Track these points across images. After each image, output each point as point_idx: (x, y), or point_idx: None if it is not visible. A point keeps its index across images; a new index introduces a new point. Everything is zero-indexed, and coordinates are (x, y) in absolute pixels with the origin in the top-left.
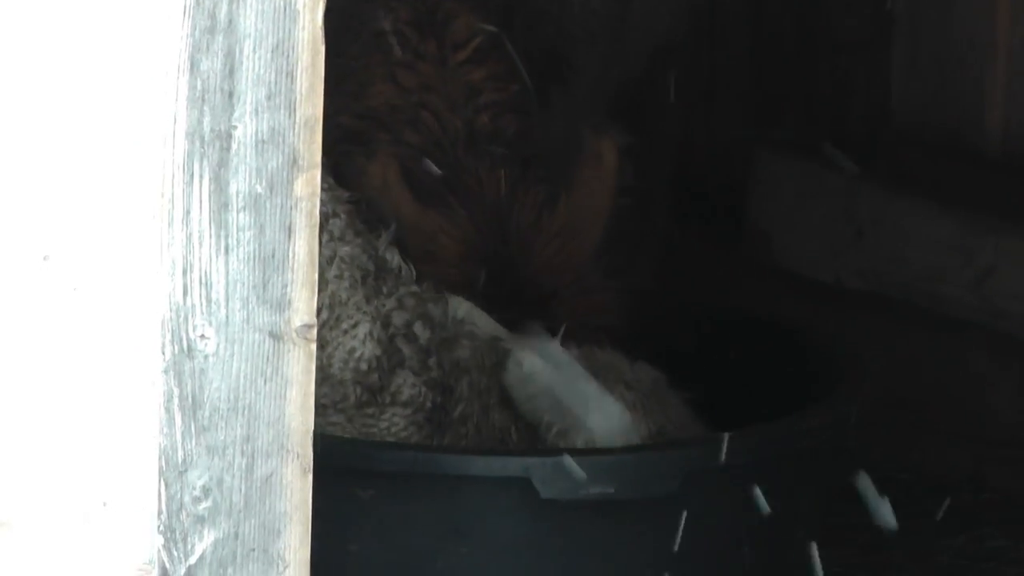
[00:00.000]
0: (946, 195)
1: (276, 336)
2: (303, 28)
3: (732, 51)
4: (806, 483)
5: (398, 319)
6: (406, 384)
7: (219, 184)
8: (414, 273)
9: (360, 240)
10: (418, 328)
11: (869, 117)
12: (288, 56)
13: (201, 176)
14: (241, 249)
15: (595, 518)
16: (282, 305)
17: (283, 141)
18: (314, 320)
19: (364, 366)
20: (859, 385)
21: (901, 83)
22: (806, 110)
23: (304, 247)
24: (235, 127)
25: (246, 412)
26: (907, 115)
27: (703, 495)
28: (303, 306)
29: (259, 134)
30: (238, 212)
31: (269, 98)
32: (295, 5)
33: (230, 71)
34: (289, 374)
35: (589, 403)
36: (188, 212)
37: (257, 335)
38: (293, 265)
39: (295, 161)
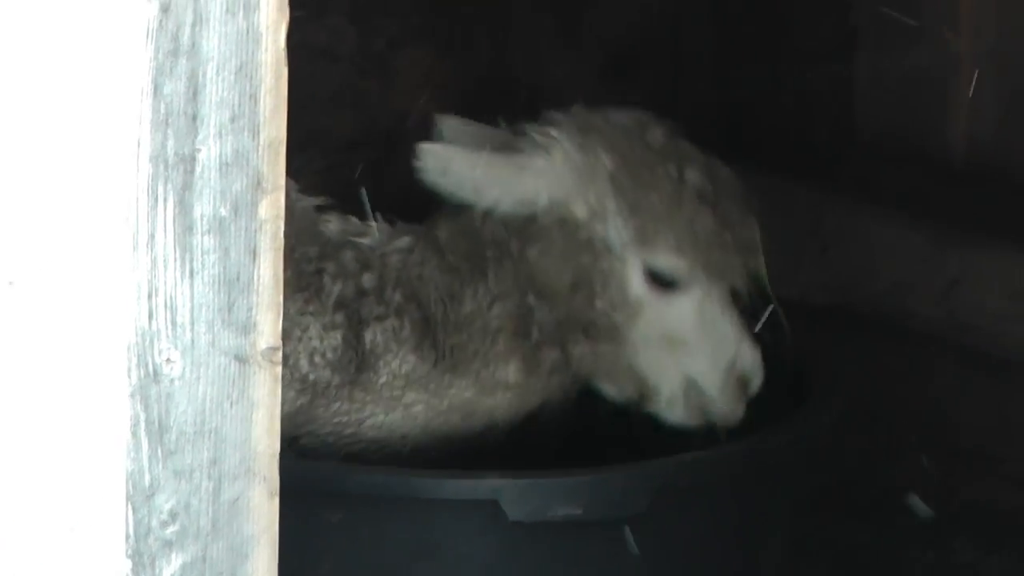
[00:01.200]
0: (911, 208)
1: (242, 359)
2: (266, 50)
3: (695, 63)
4: (776, 499)
5: (344, 289)
6: (379, 333)
7: (183, 207)
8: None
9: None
10: (366, 280)
11: (833, 130)
12: (251, 78)
13: (165, 199)
14: (206, 272)
15: (563, 539)
16: (247, 328)
17: (247, 164)
18: (279, 342)
19: (332, 354)
20: (830, 400)
21: (865, 96)
22: (770, 123)
23: (269, 269)
24: (199, 150)
25: (213, 435)
26: (872, 128)
27: (671, 514)
28: (268, 328)
29: (223, 157)
30: (203, 235)
31: (233, 120)
32: (258, 27)
33: (193, 94)
34: (255, 397)
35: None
36: (152, 236)
37: (223, 358)
38: (258, 288)
39: (259, 183)
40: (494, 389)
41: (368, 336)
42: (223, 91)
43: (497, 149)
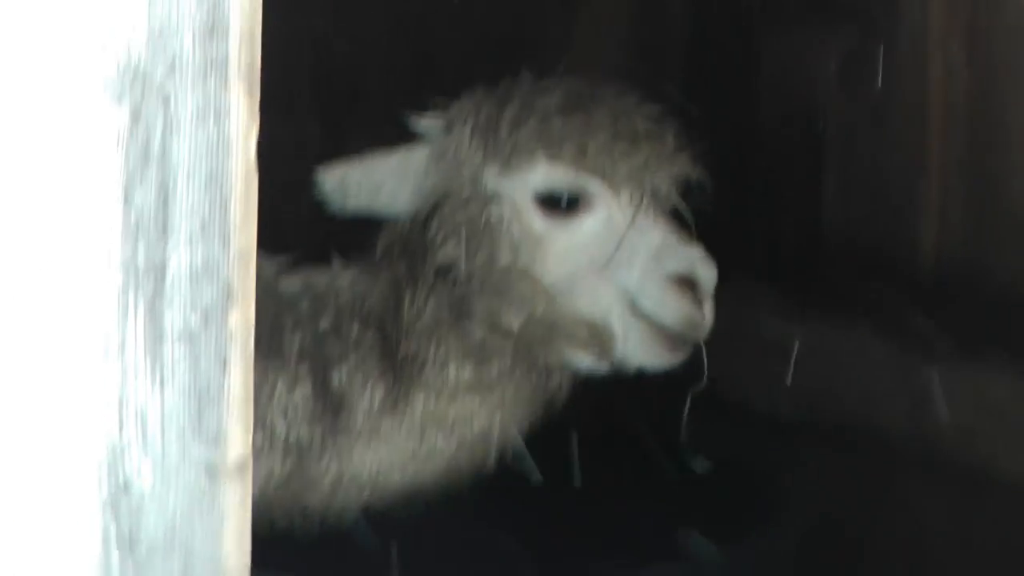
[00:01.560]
0: (879, 319)
1: (212, 471)
2: (236, 159)
3: None
4: None
5: (303, 338)
6: (344, 372)
7: (154, 316)
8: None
9: None
10: (323, 323)
11: (801, 238)
12: (222, 187)
13: (136, 308)
14: (176, 382)
15: None
16: (218, 439)
17: (217, 273)
18: (249, 452)
19: (305, 406)
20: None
21: (833, 204)
22: (736, 219)
23: (239, 379)
24: (169, 259)
25: (183, 549)
26: (839, 237)
27: None
28: (239, 439)
29: (193, 266)
30: (173, 344)
31: (203, 229)
32: (228, 136)
33: (164, 202)
34: (225, 507)
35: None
36: (123, 345)
37: (193, 470)
38: (228, 398)
39: (230, 293)
40: (455, 393)
41: (335, 378)
42: (193, 200)
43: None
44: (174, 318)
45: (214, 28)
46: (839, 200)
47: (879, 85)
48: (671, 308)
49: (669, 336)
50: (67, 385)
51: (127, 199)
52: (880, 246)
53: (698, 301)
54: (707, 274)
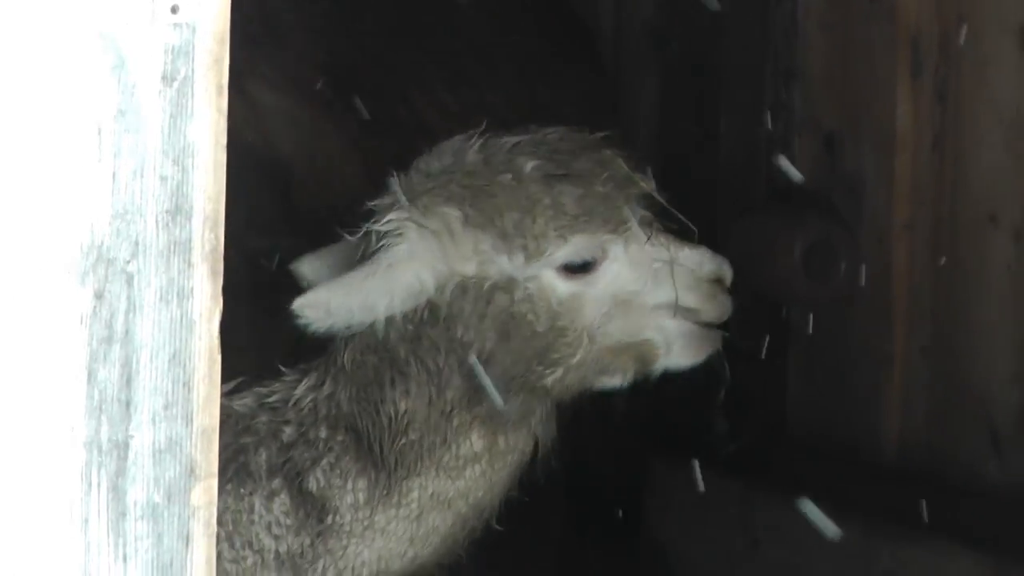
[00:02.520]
0: (842, 503)
1: None
2: (200, 338)
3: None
4: None
5: (269, 454)
6: (320, 477)
7: (117, 493)
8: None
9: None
10: (287, 434)
11: (765, 426)
12: (185, 366)
13: (99, 485)
14: (139, 558)
15: None
16: None
17: (180, 451)
18: None
19: (286, 518)
20: None
21: (797, 392)
22: (702, 421)
23: (202, 555)
24: (132, 436)
25: None
26: (803, 423)
27: None
28: None
29: (156, 444)
30: (136, 521)
31: (166, 408)
32: (191, 315)
33: (127, 380)
34: None
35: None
36: (87, 520)
37: None
38: (191, 574)
39: (192, 470)
40: (462, 468)
41: (311, 484)
42: (157, 378)
43: (359, 263)
44: (137, 495)
45: (177, 210)
46: (803, 386)
47: (843, 273)
48: (713, 308)
49: (707, 327)
50: (30, 561)
51: (91, 377)
52: (843, 433)
53: (726, 290)
54: (728, 269)
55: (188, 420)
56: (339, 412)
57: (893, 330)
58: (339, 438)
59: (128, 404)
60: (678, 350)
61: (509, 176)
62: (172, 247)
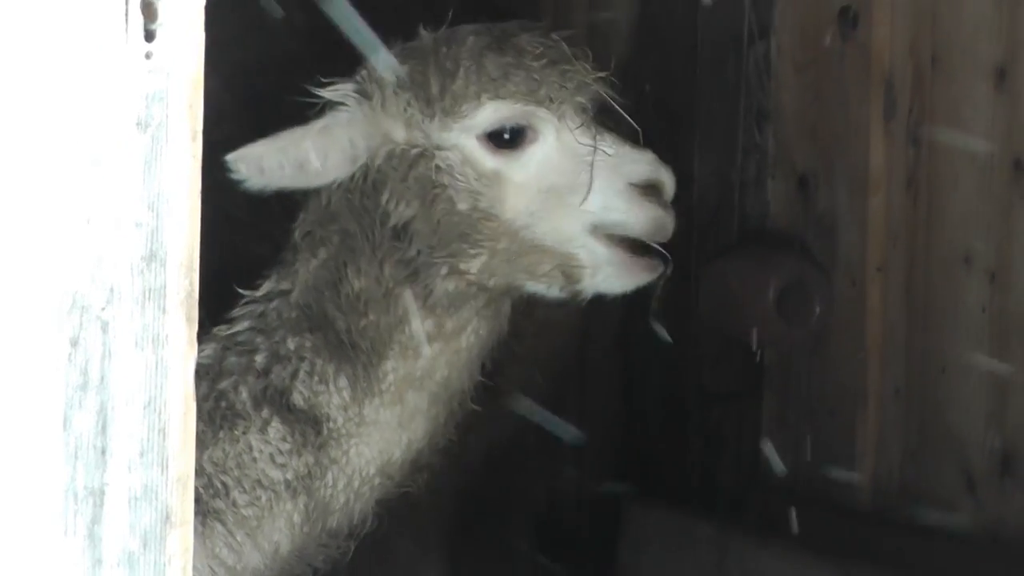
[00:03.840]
0: (816, 545)
1: None
2: (175, 385)
3: (601, 401)
4: None
5: (249, 387)
6: (301, 389)
7: (93, 540)
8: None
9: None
10: (259, 362)
11: (740, 468)
12: (160, 413)
13: (75, 532)
14: None
15: None
16: None
17: (156, 498)
18: None
19: (285, 443)
20: None
21: (771, 434)
22: (676, 461)
23: None
24: (108, 484)
25: None
26: (778, 464)
27: None
28: None
29: (132, 491)
30: (112, 568)
31: (142, 455)
32: (166, 362)
33: (103, 428)
34: None
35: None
36: (62, 568)
37: None
38: None
39: (168, 517)
40: (418, 347)
41: (297, 399)
42: (132, 425)
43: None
44: (113, 542)
45: (152, 256)
46: (777, 428)
47: (817, 315)
48: (640, 215)
49: (637, 249)
50: None
51: (66, 424)
52: (818, 474)
53: (664, 204)
54: (668, 176)
55: (164, 467)
56: (300, 311)
57: (867, 371)
58: (307, 344)
59: (104, 451)
60: (604, 276)
61: (446, 48)
62: (147, 293)
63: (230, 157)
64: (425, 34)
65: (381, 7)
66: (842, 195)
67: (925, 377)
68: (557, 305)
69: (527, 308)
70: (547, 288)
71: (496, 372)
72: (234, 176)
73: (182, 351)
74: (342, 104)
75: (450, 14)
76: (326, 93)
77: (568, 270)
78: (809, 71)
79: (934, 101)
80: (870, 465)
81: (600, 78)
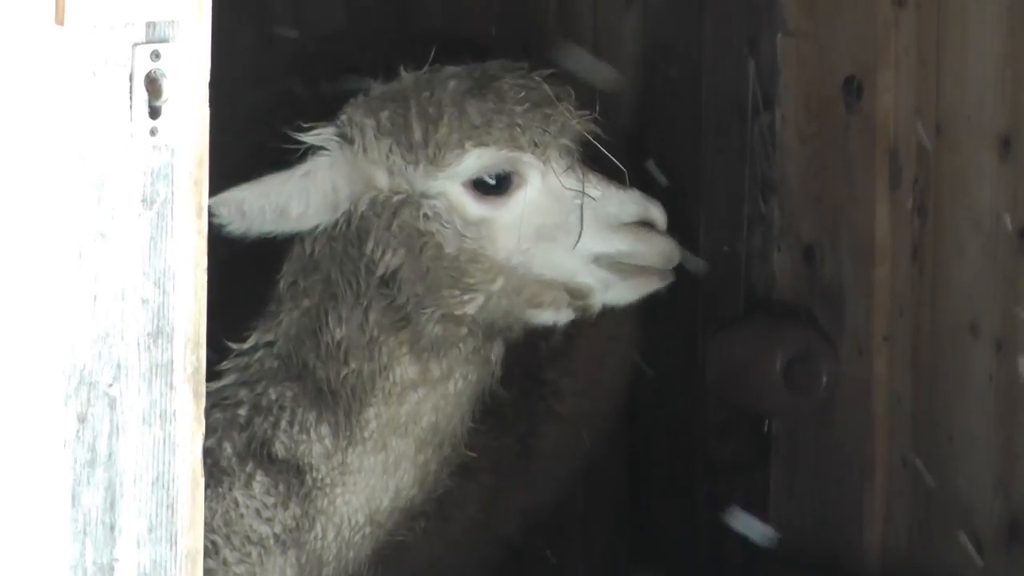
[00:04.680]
0: None
1: None
2: (183, 461)
3: (607, 472)
4: None
5: (233, 442)
6: (284, 439)
7: None
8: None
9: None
10: (242, 416)
11: (749, 542)
12: (168, 488)
13: None
14: None
15: None
16: None
17: (165, 573)
18: None
19: (268, 496)
20: None
21: (779, 504)
22: (683, 532)
23: None
24: (118, 560)
25: None
26: (785, 536)
27: None
28: None
29: (141, 567)
30: None
31: (151, 530)
32: (174, 438)
33: (111, 503)
34: None
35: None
36: None
37: None
38: None
39: None
40: (403, 394)
41: (279, 450)
42: (141, 501)
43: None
44: None
45: (159, 333)
46: (785, 498)
47: (824, 385)
48: (647, 247)
49: (647, 270)
50: None
51: (75, 500)
52: (825, 543)
53: (662, 235)
54: (659, 212)
55: (172, 542)
56: (281, 361)
57: (875, 440)
58: (288, 393)
59: (112, 527)
60: (615, 291)
61: (427, 92)
62: (154, 370)
63: (211, 201)
64: (406, 75)
65: (367, 45)
66: (848, 265)
67: (932, 446)
68: (604, 363)
69: (565, 364)
70: (555, 314)
71: (531, 433)
72: (215, 220)
73: (190, 427)
74: (324, 149)
75: (432, 54)
76: (308, 137)
77: (575, 292)
78: (814, 141)
79: (939, 171)
80: (877, 533)
81: (585, 118)
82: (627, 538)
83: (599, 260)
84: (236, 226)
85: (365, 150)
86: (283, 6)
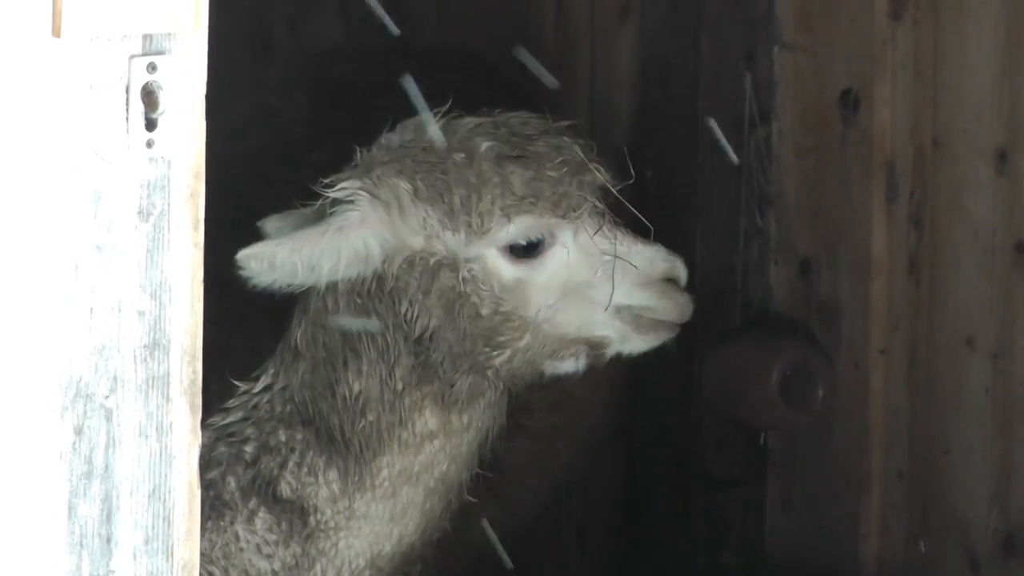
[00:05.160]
0: None
1: None
2: (179, 472)
3: (605, 485)
4: None
5: (237, 478)
6: (290, 480)
7: None
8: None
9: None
10: (248, 452)
11: (744, 552)
12: (165, 501)
13: None
14: None
15: None
16: None
17: None
18: None
19: (271, 534)
20: None
21: (776, 518)
22: (680, 546)
23: None
24: (114, 572)
25: None
26: (782, 550)
27: None
28: None
29: None
30: None
31: (147, 542)
32: (170, 450)
33: (107, 516)
34: None
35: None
36: None
37: None
38: None
39: None
40: (420, 445)
41: (284, 490)
42: (137, 513)
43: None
44: None
45: (155, 345)
46: (781, 512)
47: (820, 398)
48: (669, 304)
49: (662, 327)
50: None
51: (71, 513)
52: (822, 557)
53: (681, 291)
54: (683, 268)
55: (168, 555)
56: (294, 406)
57: (871, 454)
58: (299, 436)
59: (109, 539)
60: (631, 343)
61: (463, 155)
62: (150, 382)
63: (241, 255)
64: (428, 127)
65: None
66: (844, 279)
67: (928, 459)
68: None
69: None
70: (574, 363)
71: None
72: (242, 272)
73: (186, 439)
74: (350, 203)
75: (449, 102)
76: (336, 193)
77: (595, 343)
78: (811, 155)
79: (936, 184)
80: (873, 547)
81: (613, 181)
82: (624, 551)
83: (621, 314)
84: (263, 279)
85: (402, 213)
86: (281, 18)
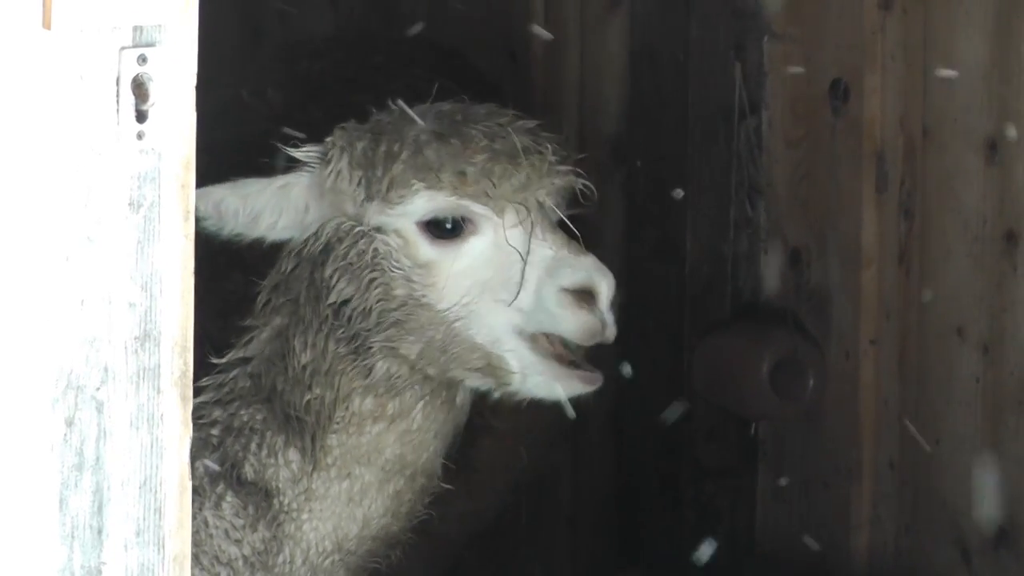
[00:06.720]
0: None
1: None
2: (170, 464)
3: (595, 476)
4: None
5: (207, 465)
6: (252, 462)
7: None
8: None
9: None
10: (214, 436)
11: (734, 542)
12: (156, 492)
13: None
14: None
15: None
16: None
17: None
18: None
19: (237, 518)
20: None
21: (766, 508)
22: (670, 536)
23: None
24: (105, 563)
25: None
26: (772, 540)
27: None
28: None
29: (129, 570)
30: None
31: (138, 534)
32: (162, 442)
33: (99, 507)
34: None
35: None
36: None
37: None
38: None
39: None
40: (362, 425)
41: (248, 472)
42: (128, 505)
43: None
44: None
45: (146, 336)
46: (772, 502)
47: (811, 388)
48: (569, 319)
49: (567, 356)
50: None
51: (62, 504)
52: (812, 549)
53: (598, 310)
54: (604, 282)
55: (160, 546)
56: (253, 382)
57: (861, 444)
58: (259, 416)
59: (100, 531)
60: (535, 384)
61: (400, 129)
62: (141, 373)
63: (197, 191)
64: (397, 108)
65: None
66: (835, 269)
67: (919, 449)
68: None
69: None
70: (481, 384)
71: (469, 444)
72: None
73: (177, 431)
74: (306, 166)
75: (434, 90)
76: (296, 153)
77: (497, 372)
78: (800, 145)
79: (926, 174)
80: (864, 537)
81: (561, 174)
82: (614, 541)
83: (523, 333)
84: (211, 222)
85: (338, 177)
86: (271, 10)
